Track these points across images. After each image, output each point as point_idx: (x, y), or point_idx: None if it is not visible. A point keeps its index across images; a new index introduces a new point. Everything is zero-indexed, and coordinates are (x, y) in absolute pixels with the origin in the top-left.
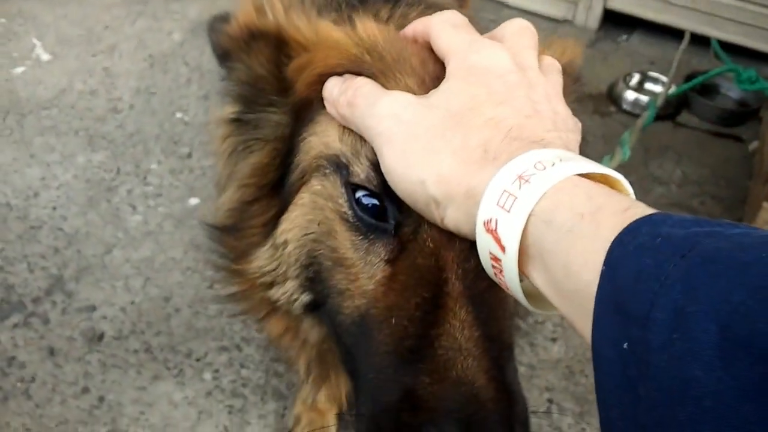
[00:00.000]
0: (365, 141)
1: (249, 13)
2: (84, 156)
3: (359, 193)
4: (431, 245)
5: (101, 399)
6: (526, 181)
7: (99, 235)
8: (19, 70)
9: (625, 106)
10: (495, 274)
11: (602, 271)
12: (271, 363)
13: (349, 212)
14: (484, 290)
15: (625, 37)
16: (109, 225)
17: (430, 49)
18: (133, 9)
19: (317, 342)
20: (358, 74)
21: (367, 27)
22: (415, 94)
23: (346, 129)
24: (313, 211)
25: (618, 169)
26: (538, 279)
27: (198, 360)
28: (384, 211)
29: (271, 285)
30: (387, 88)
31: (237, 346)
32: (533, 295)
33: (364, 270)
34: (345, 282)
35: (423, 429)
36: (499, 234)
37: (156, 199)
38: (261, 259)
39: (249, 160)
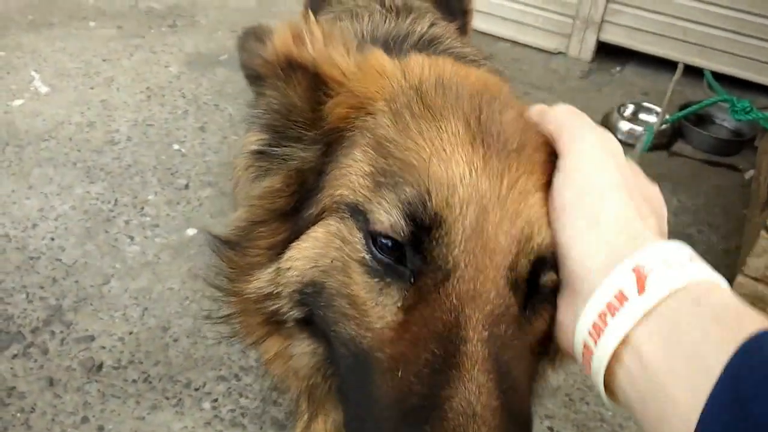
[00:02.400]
0: (394, 189)
1: (286, 39)
2: (82, 187)
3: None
4: (456, 302)
5: (101, 429)
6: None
7: (97, 265)
8: (18, 102)
9: (619, 137)
10: (598, 324)
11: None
12: (270, 392)
13: (367, 256)
14: (511, 359)
15: (618, 68)
16: (107, 256)
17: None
18: (131, 42)
19: (306, 375)
20: (396, 108)
21: (421, 60)
22: (461, 135)
23: (369, 177)
24: (326, 247)
25: None
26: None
27: (197, 389)
28: (403, 254)
29: (265, 299)
30: (431, 129)
31: (235, 375)
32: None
33: (374, 310)
34: (350, 309)
35: None
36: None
37: (153, 229)
38: (261, 281)
39: (263, 183)
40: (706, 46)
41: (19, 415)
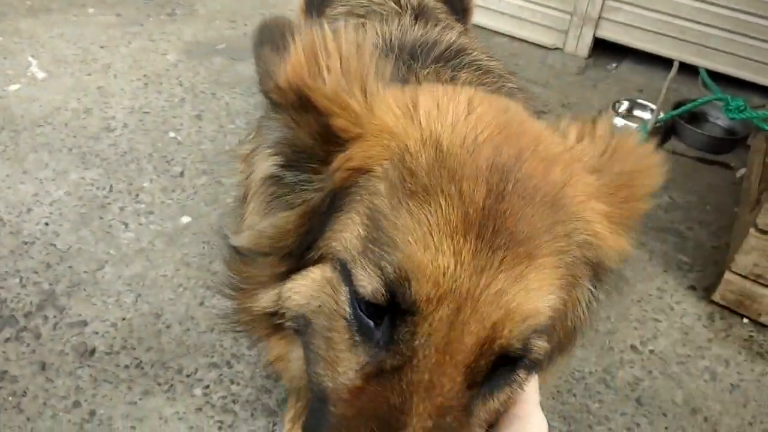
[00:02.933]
0: (379, 262)
1: (299, 65)
2: (77, 173)
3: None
4: (406, 388)
5: (92, 413)
6: None
7: (91, 251)
8: (14, 87)
9: None
10: None
11: None
12: (261, 379)
13: (348, 310)
14: None
15: (614, 65)
16: (101, 242)
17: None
18: (129, 29)
19: (305, 378)
20: (393, 179)
21: (432, 115)
22: (454, 224)
23: (361, 240)
24: (319, 291)
25: None
26: None
27: (188, 376)
28: (381, 317)
29: (271, 316)
30: (422, 210)
31: (227, 362)
32: None
33: (342, 362)
34: (325, 352)
35: None
36: None
37: (148, 216)
38: (266, 301)
39: (273, 221)
40: (702, 45)
41: (10, 398)
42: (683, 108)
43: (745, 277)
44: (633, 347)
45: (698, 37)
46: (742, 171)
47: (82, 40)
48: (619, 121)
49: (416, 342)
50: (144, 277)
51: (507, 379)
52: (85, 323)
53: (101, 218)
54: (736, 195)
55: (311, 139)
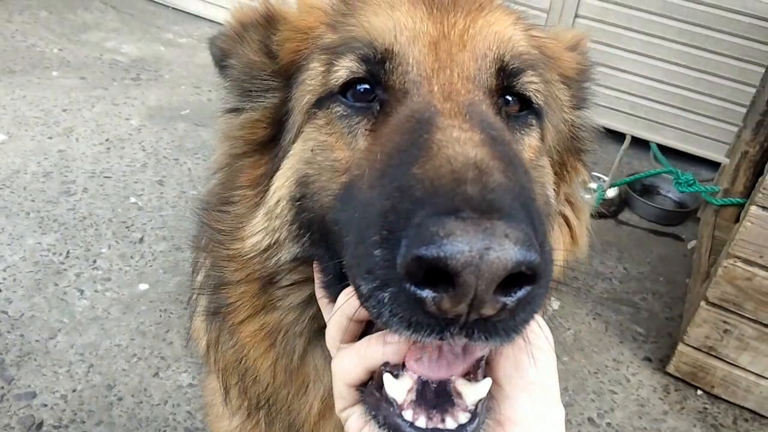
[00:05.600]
0: (344, 51)
1: (239, 9)
2: (33, 238)
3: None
4: (425, 98)
5: None
6: None
7: (44, 319)
8: None
9: None
10: None
11: None
12: None
13: (338, 109)
14: (501, 140)
15: None
16: (55, 309)
17: None
18: (93, 93)
19: (288, 334)
20: (333, 19)
21: None
22: (416, 12)
23: (323, 66)
24: (303, 150)
25: None
26: None
27: None
28: (372, 94)
29: (265, 253)
30: (379, 17)
31: None
32: None
33: (347, 144)
34: (330, 169)
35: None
36: None
37: (104, 283)
38: (256, 235)
39: (240, 117)
40: (653, 120)
41: None
42: (634, 177)
43: (697, 349)
44: (590, 420)
45: (649, 112)
46: (693, 243)
47: (45, 102)
48: None
49: (411, 72)
50: (97, 346)
51: (523, 123)
52: (33, 395)
53: (56, 285)
54: (687, 266)
55: (256, 54)
